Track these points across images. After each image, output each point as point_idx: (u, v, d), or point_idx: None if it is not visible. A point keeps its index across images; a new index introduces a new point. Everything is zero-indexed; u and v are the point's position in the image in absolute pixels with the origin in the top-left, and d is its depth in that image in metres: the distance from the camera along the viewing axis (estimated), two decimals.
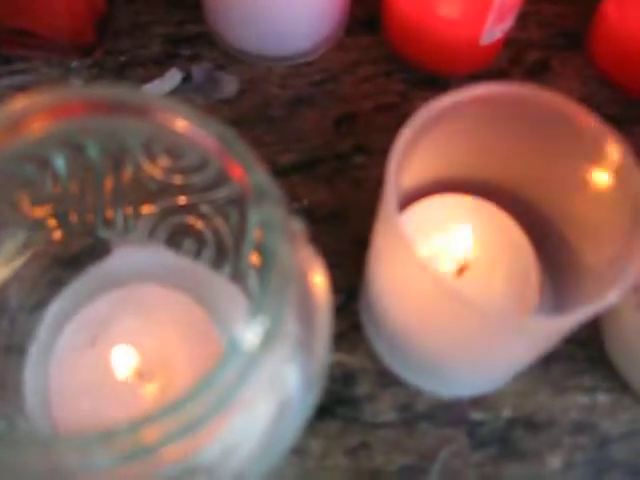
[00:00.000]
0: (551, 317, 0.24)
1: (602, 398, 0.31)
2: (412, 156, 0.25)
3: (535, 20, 0.41)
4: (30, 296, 0.27)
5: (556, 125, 0.26)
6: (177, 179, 0.25)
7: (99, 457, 0.17)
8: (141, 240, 0.27)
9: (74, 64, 0.38)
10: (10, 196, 0.25)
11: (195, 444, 0.20)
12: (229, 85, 0.38)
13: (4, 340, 0.27)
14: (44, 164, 0.24)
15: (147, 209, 0.27)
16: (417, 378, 0.31)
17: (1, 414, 0.25)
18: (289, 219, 0.20)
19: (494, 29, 0.35)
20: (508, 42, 0.39)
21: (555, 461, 0.30)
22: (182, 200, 0.26)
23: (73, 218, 0.26)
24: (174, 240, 0.27)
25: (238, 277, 0.26)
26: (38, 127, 0.21)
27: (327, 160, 0.36)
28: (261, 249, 0.19)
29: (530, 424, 0.30)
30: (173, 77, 0.38)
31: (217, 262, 0.27)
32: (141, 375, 0.27)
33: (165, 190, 0.26)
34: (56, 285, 0.28)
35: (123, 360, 0.27)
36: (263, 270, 0.19)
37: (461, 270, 0.31)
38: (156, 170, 0.25)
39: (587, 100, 0.26)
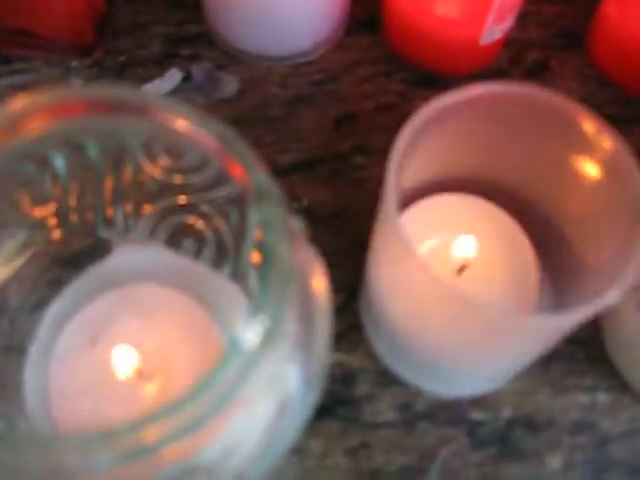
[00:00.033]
0: (551, 316, 0.24)
1: (602, 397, 0.31)
2: (412, 156, 0.25)
3: (535, 20, 0.41)
4: (30, 296, 0.27)
5: (556, 125, 0.26)
6: (177, 179, 0.25)
7: (99, 457, 0.17)
8: (141, 240, 0.27)
9: (74, 64, 0.38)
10: (10, 196, 0.25)
11: (195, 444, 0.20)
12: (229, 85, 0.38)
13: (4, 340, 0.27)
14: (44, 164, 0.24)
15: (147, 209, 0.27)
16: (417, 378, 0.31)
17: (1, 414, 0.25)
18: (289, 219, 0.20)
19: (494, 29, 0.35)
20: (508, 42, 0.39)
21: (555, 461, 0.30)
22: (182, 200, 0.26)
23: (73, 218, 0.26)
24: (174, 240, 0.27)
25: (238, 277, 0.26)
26: (38, 127, 0.21)
27: (327, 160, 0.36)
28: (261, 249, 0.19)
29: (530, 424, 0.30)
30: (173, 77, 0.38)
31: (217, 262, 0.27)
32: (141, 375, 0.27)
33: (165, 190, 0.26)
34: (56, 285, 0.28)
35: (123, 360, 0.27)
36: (263, 270, 0.19)
37: (461, 270, 0.31)
38: (156, 170, 0.25)
39: (587, 100, 0.26)
